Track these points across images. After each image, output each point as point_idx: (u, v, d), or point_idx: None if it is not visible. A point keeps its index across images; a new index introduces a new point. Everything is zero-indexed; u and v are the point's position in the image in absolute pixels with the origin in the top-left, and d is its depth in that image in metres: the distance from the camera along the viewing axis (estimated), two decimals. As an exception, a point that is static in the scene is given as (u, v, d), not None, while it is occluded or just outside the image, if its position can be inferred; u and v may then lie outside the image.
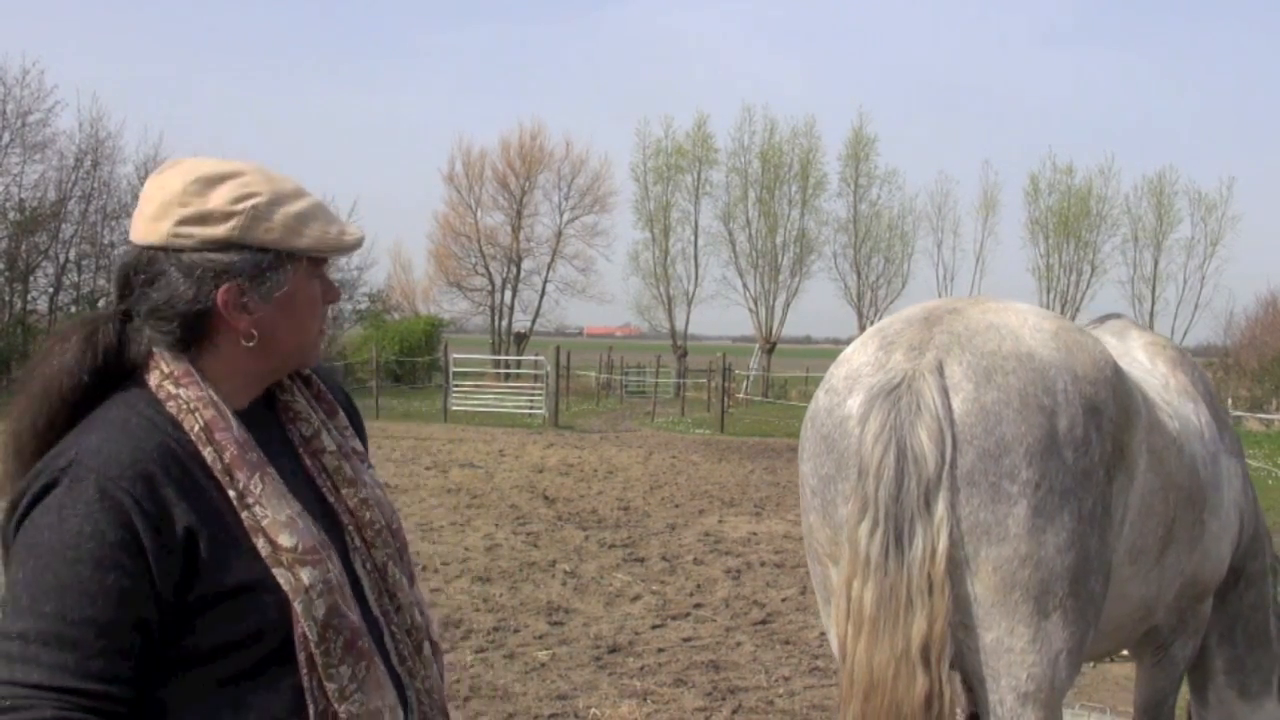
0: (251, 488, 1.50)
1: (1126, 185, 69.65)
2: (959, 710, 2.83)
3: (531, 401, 26.07)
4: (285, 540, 1.49)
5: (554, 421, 23.64)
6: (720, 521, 11.24)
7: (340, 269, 30.67)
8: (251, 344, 1.55)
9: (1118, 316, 3.90)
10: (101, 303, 29.41)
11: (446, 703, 1.74)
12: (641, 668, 6.10)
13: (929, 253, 55.08)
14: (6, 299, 27.79)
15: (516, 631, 6.76)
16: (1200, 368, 3.68)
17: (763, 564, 9.10)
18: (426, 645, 1.70)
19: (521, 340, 47.75)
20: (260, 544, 1.48)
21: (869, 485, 2.54)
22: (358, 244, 1.64)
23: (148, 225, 1.53)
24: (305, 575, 1.49)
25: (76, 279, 29.42)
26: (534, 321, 48.46)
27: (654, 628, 6.98)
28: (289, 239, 1.54)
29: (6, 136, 27.39)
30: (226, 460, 1.49)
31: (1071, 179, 48.91)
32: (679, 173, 47.09)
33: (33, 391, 1.53)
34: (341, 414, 1.74)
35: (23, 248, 27.56)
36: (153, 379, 1.52)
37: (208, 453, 1.49)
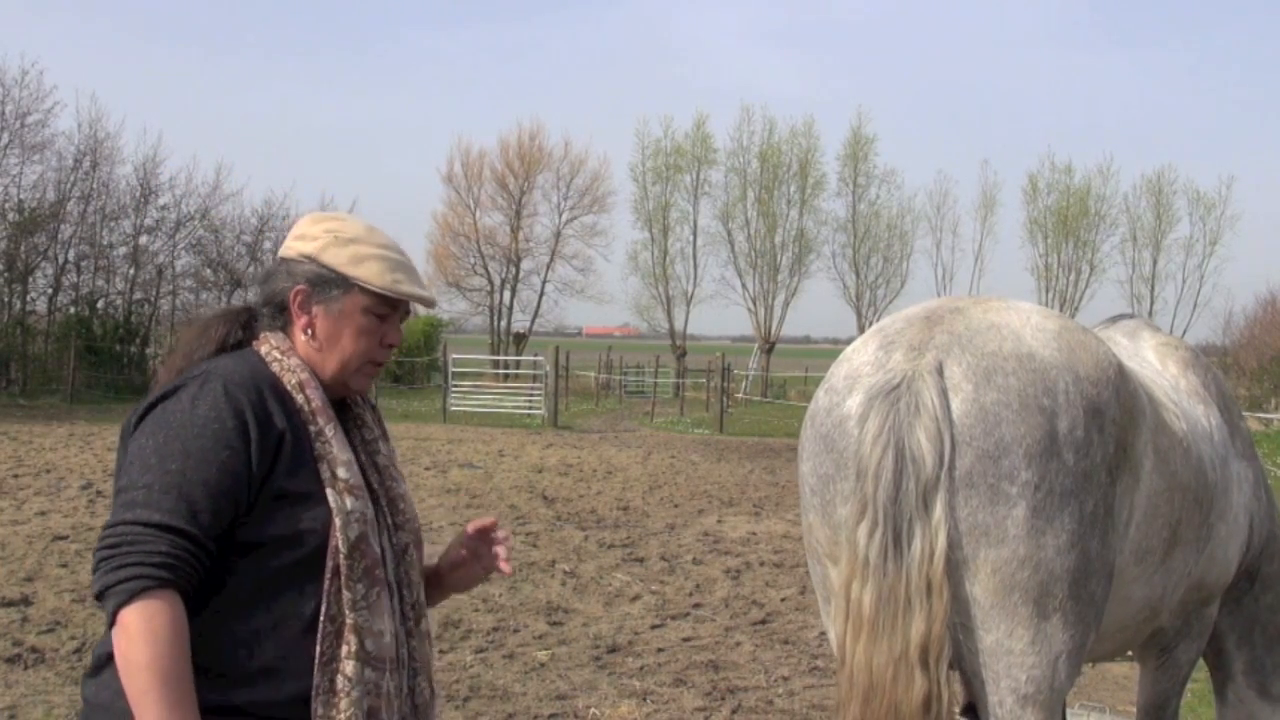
0: (326, 431, 1.91)
1: (1125, 185, 69.61)
2: (954, 708, 2.82)
3: (530, 402, 26.06)
4: (342, 473, 1.89)
5: (553, 422, 23.63)
6: (719, 521, 11.23)
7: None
8: (307, 337, 1.97)
9: (1130, 317, 3.87)
10: (100, 303, 29.42)
11: (432, 676, 2.09)
12: (641, 668, 6.10)
13: (928, 252, 55.26)
14: (5, 300, 27.73)
15: (516, 631, 6.75)
16: (1214, 370, 3.63)
17: (762, 564, 9.10)
18: (425, 622, 2.05)
19: (520, 340, 47.73)
20: (323, 469, 1.88)
21: (868, 486, 2.53)
22: (412, 298, 2.01)
23: (284, 244, 2.04)
24: (349, 502, 1.87)
25: (75, 280, 29.36)
26: (533, 322, 48.45)
27: (653, 628, 6.97)
28: (349, 267, 1.96)
29: (6, 137, 27.36)
30: (313, 406, 1.91)
31: (1070, 178, 48.94)
32: (678, 173, 47.10)
33: (180, 352, 1.99)
34: (392, 440, 2.16)
35: (22, 248, 27.51)
36: (263, 349, 1.96)
37: (300, 399, 1.91)
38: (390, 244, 2.02)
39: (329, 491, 1.85)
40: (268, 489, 1.81)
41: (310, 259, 1.97)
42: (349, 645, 1.83)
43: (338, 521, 1.84)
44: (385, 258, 1.98)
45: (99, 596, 1.70)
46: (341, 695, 1.81)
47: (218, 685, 1.77)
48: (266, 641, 1.80)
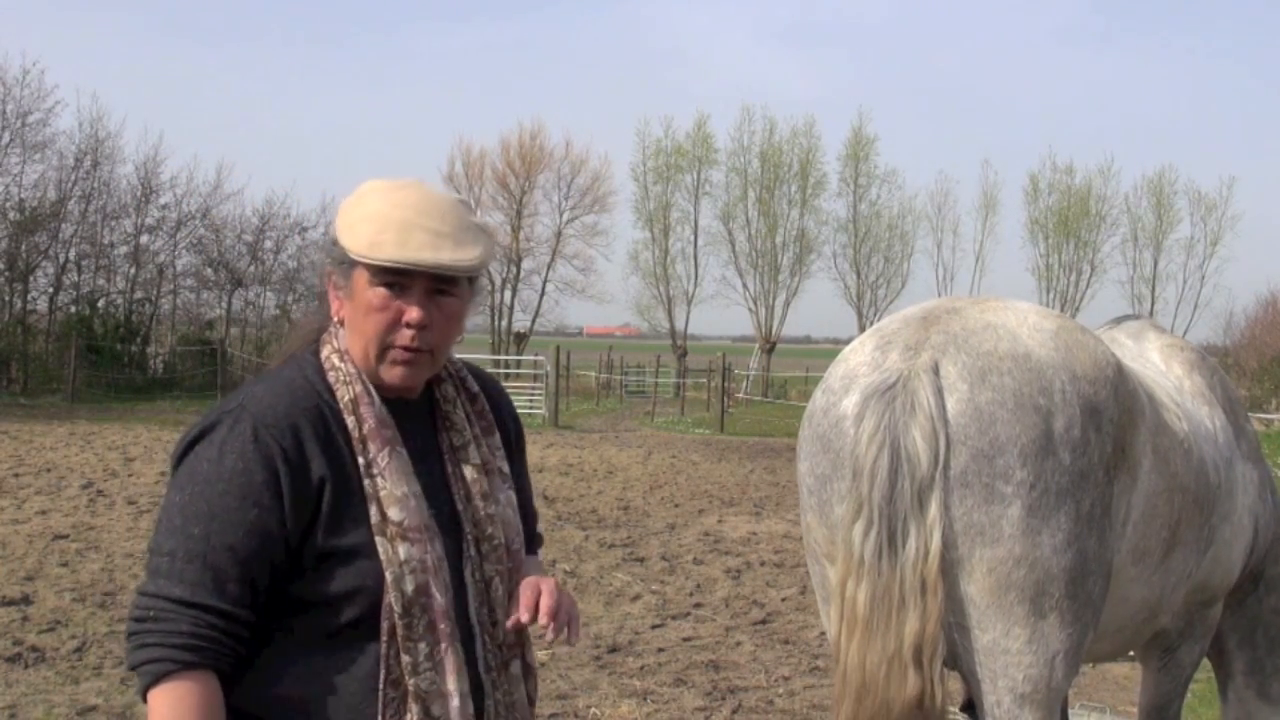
0: (379, 460, 1.65)
1: (1126, 185, 69.84)
2: (950, 708, 2.83)
3: (531, 401, 26.06)
4: (394, 514, 1.64)
5: (554, 421, 23.63)
6: (720, 521, 11.24)
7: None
8: (340, 322, 1.73)
9: (1136, 318, 3.87)
10: (101, 302, 29.44)
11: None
12: (641, 667, 6.10)
13: (929, 252, 55.08)
14: (6, 299, 27.76)
15: (516, 631, 6.75)
16: (1221, 371, 3.62)
17: (762, 564, 9.10)
18: (517, 664, 1.80)
19: (521, 340, 47.68)
20: (372, 512, 1.63)
21: (863, 485, 2.53)
22: (394, 262, 1.62)
23: None
24: (402, 550, 1.63)
25: (76, 279, 29.39)
26: (534, 321, 48.40)
27: (654, 627, 6.97)
28: (345, 237, 1.67)
29: (6, 136, 27.39)
30: (364, 430, 1.66)
31: (1071, 179, 48.99)
32: (679, 172, 47.10)
33: (295, 339, 1.82)
34: (498, 435, 1.86)
35: (23, 248, 27.54)
36: (324, 350, 1.73)
37: (350, 421, 1.66)
38: (405, 202, 1.65)
39: (378, 540, 1.62)
40: (309, 545, 1.62)
41: (335, 237, 1.71)
42: (412, 714, 1.63)
43: (389, 576, 1.61)
44: (379, 216, 1.64)
45: (132, 668, 1.60)
46: None
47: None
48: (325, 706, 1.63)
